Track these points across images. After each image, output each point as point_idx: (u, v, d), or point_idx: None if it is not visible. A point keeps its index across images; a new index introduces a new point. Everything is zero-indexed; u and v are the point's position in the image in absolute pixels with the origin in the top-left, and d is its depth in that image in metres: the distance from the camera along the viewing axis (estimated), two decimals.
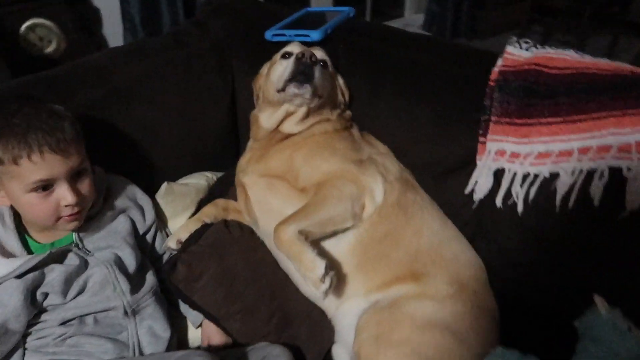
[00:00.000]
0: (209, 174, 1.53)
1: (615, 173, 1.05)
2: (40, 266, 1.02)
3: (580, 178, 1.09)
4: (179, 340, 1.19)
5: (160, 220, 1.31)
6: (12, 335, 0.99)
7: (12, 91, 1.23)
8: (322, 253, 1.07)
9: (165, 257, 1.27)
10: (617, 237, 1.08)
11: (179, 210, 1.35)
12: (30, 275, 1.00)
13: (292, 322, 1.19)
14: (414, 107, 1.33)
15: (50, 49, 2.40)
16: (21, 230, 1.07)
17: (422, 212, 1.21)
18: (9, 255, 1.02)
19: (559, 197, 1.11)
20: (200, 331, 1.22)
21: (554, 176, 1.12)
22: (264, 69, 1.37)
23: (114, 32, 2.79)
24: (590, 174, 1.08)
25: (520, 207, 1.17)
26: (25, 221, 1.08)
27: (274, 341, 1.15)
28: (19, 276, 0.99)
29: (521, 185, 1.17)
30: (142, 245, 1.22)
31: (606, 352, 0.88)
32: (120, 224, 1.16)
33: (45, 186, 0.98)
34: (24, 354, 1.02)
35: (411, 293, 1.10)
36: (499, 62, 1.24)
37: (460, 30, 4.38)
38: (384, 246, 1.15)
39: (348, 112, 1.38)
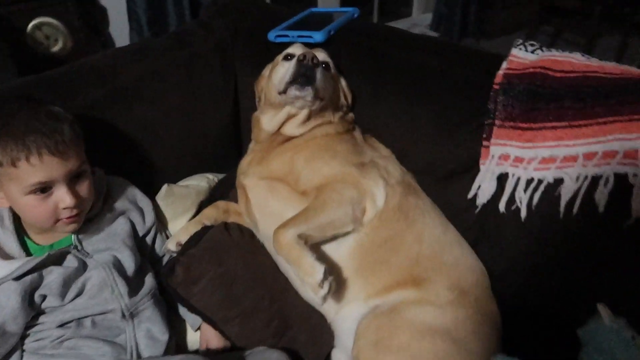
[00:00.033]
0: (210, 176, 1.52)
1: (621, 179, 1.02)
2: (38, 268, 1.02)
3: (585, 184, 1.07)
4: (177, 343, 1.18)
5: (161, 222, 1.31)
6: (9, 337, 0.99)
7: (12, 91, 1.22)
8: (322, 257, 1.06)
9: (165, 260, 1.26)
10: (622, 244, 1.05)
11: (179, 212, 1.35)
12: (29, 277, 1.00)
13: (291, 326, 1.18)
14: (415, 108, 1.32)
15: (56, 48, 2.39)
16: (20, 232, 1.07)
17: (423, 216, 1.19)
18: (7, 257, 1.02)
19: (563, 202, 1.09)
20: (199, 334, 1.22)
21: (558, 182, 1.11)
22: (266, 71, 1.36)
23: (120, 32, 2.80)
24: (595, 180, 1.06)
25: (523, 213, 1.15)
26: (25, 223, 1.08)
27: (273, 345, 1.15)
28: (17, 278, 0.99)
29: (525, 191, 1.15)
30: (141, 247, 1.22)
31: None
32: (120, 226, 1.16)
33: (44, 188, 0.98)
34: (21, 356, 1.02)
35: (411, 298, 1.09)
36: (504, 65, 1.22)
37: (468, 30, 4.34)
38: (384, 251, 1.14)
39: (350, 115, 1.37)
